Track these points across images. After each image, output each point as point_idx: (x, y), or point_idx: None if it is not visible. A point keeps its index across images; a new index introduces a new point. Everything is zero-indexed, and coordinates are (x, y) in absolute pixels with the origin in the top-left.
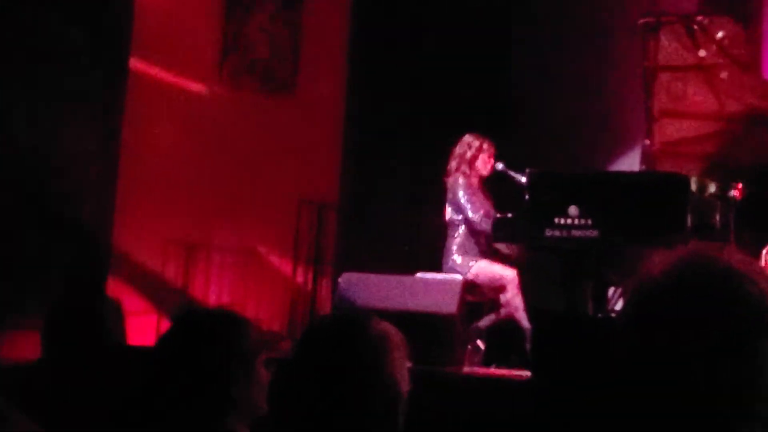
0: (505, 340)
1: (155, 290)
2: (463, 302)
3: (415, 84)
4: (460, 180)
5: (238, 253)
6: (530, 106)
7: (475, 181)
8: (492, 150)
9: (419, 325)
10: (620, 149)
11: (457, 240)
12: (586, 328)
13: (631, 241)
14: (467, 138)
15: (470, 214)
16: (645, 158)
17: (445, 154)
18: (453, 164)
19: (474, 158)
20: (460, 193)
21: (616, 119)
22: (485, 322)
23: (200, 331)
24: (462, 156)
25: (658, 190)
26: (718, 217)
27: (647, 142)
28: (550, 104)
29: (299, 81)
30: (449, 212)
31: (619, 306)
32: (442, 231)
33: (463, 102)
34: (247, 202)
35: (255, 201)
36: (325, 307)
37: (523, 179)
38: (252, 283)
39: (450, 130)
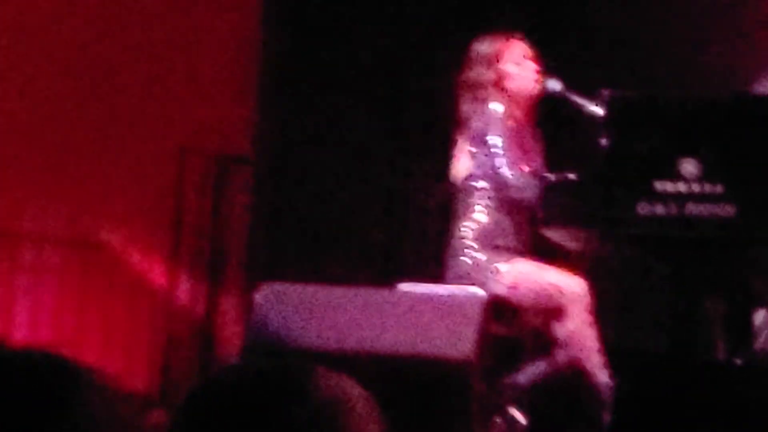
0: (561, 407)
1: None
2: (485, 339)
3: None
4: (495, 109)
5: (71, 247)
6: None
7: (518, 115)
8: (523, 56)
9: (405, 381)
10: None
11: (479, 220)
12: (715, 383)
13: None
14: (474, 47)
15: (505, 170)
16: None
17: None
18: (466, 102)
19: (497, 78)
20: (491, 133)
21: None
22: (527, 375)
23: None
24: (478, 82)
25: None
26: None
27: None
28: None
29: None
30: (464, 170)
31: None
32: (442, 207)
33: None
34: (85, 155)
35: (101, 153)
36: (231, 345)
37: (597, 109)
38: (95, 301)
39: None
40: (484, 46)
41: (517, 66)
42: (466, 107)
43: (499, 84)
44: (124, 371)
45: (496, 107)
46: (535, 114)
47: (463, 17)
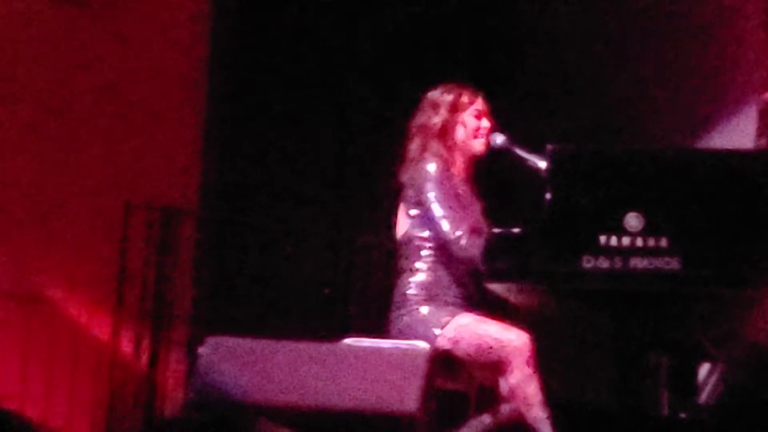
0: None
1: None
2: (430, 393)
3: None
4: (431, 167)
5: (14, 300)
6: (547, 45)
7: (458, 170)
8: (481, 110)
9: None
10: (719, 111)
11: (421, 276)
12: None
13: (745, 278)
14: (430, 95)
15: (447, 228)
16: (764, 124)
17: (391, 126)
18: (413, 147)
19: (449, 124)
20: (430, 192)
21: (709, 59)
22: (472, 429)
23: None
24: (427, 128)
25: None
26: None
27: None
28: (579, 42)
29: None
30: (406, 225)
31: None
32: (388, 261)
33: (416, 43)
34: (29, 208)
35: (45, 206)
36: (174, 399)
37: (541, 163)
38: (39, 354)
39: (395, 84)
40: (443, 93)
41: (473, 119)
42: (403, 168)
43: (445, 132)
44: (67, 425)
45: (432, 166)
46: (476, 168)
47: (410, 69)
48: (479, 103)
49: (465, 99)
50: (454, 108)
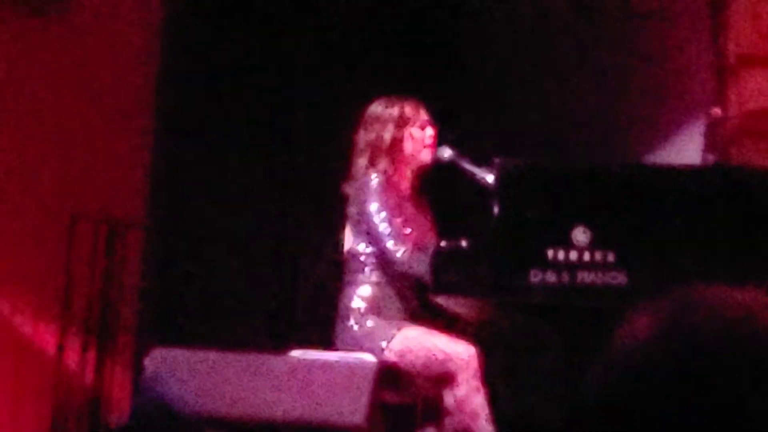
0: None
1: None
2: (376, 405)
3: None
4: (373, 181)
5: None
6: (496, 57)
7: (402, 183)
8: (425, 120)
9: None
10: (666, 126)
11: (365, 289)
12: None
13: None
14: (373, 109)
15: (389, 244)
16: (711, 140)
17: (332, 144)
18: (359, 162)
19: (396, 140)
20: (372, 206)
21: (656, 73)
22: None
23: None
24: (373, 143)
25: (736, 197)
26: None
27: (716, 111)
28: (534, 54)
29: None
30: (351, 241)
31: None
32: (332, 274)
33: (367, 54)
34: None
35: None
36: (120, 410)
37: (489, 177)
38: None
39: (341, 98)
40: (386, 108)
41: (420, 131)
42: (348, 182)
43: (394, 146)
44: None
45: (375, 182)
46: (422, 181)
47: (358, 84)
48: (422, 114)
49: (409, 112)
50: (402, 122)
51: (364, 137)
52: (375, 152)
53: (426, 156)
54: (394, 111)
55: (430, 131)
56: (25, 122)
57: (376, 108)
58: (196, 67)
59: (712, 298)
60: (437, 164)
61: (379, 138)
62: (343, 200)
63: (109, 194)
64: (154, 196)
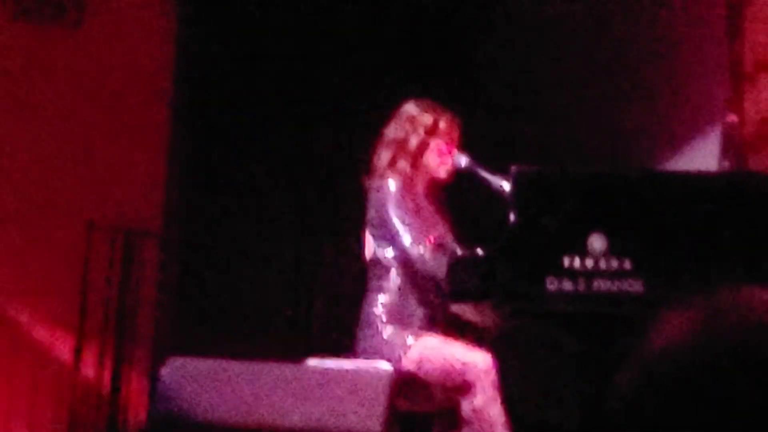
0: None
1: None
2: (393, 414)
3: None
4: (391, 185)
5: None
6: (507, 63)
7: (420, 188)
8: (455, 133)
9: None
10: (683, 133)
11: (387, 296)
12: None
13: None
14: (409, 108)
15: (407, 243)
16: (728, 146)
17: (353, 146)
18: (382, 157)
19: (423, 146)
20: (391, 209)
21: (672, 80)
22: None
23: None
24: (400, 142)
25: (753, 204)
26: None
27: (732, 118)
28: (546, 60)
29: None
30: (371, 246)
31: None
32: (351, 282)
33: (384, 64)
34: None
35: (8, 228)
36: (136, 419)
37: (505, 185)
38: (0, 375)
39: (359, 107)
40: (423, 112)
41: (446, 146)
42: (369, 176)
43: (420, 154)
44: None
45: (393, 184)
46: (441, 189)
47: (374, 91)
48: (455, 133)
49: (443, 125)
50: (432, 131)
51: (392, 133)
52: (398, 151)
53: (441, 172)
54: (429, 118)
55: (455, 152)
56: (42, 132)
57: (413, 108)
58: (212, 75)
59: (741, 300)
60: (454, 171)
61: (407, 139)
62: (362, 197)
63: (126, 203)
64: (170, 205)
